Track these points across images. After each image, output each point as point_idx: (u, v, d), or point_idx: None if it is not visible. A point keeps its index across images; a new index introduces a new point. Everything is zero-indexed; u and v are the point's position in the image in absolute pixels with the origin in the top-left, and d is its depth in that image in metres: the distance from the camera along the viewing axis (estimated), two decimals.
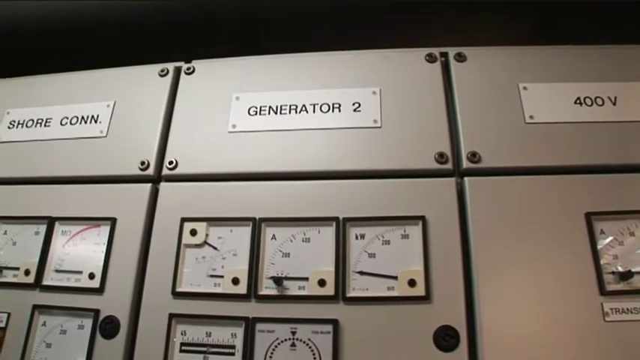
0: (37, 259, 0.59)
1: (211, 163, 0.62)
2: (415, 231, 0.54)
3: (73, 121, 0.70)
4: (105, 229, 0.60)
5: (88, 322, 0.55)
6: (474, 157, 0.57)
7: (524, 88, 0.61)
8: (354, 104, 0.63)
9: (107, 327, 0.55)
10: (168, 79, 0.71)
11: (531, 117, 0.59)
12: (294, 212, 0.57)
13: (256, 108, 0.65)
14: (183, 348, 0.54)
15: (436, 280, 0.51)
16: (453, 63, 0.64)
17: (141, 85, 0.70)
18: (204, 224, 0.59)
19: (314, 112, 0.63)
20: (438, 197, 0.55)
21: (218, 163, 0.62)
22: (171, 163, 0.63)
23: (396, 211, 0.55)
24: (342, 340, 0.51)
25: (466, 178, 0.56)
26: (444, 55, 0.65)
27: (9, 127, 0.72)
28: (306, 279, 0.54)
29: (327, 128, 0.62)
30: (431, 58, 0.65)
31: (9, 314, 0.58)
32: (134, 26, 0.85)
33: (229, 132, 0.65)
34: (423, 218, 0.54)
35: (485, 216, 0.53)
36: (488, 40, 0.65)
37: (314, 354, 0.50)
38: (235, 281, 0.56)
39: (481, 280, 0.51)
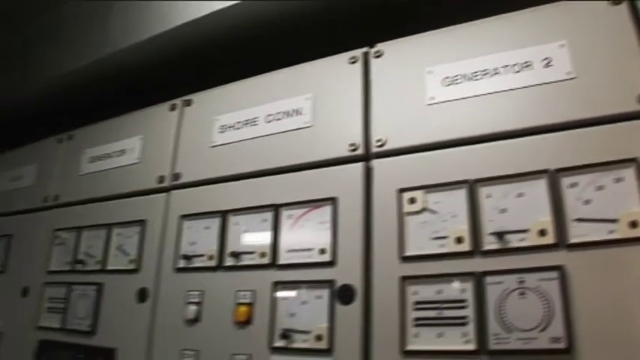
0: (269, 243, 1.39)
1: (416, 136, 1.29)
2: (629, 174, 1.10)
3: (278, 117, 1.52)
4: (326, 209, 1.34)
5: (325, 292, 1.29)
6: None
7: None
8: (544, 60, 1.25)
9: (344, 294, 1.28)
10: (359, 65, 1.44)
11: None
12: (504, 170, 1.13)
13: (450, 78, 1.32)
14: (416, 306, 1.22)
15: None
16: None
17: (334, 74, 1.41)
18: (420, 192, 1.27)
19: (506, 73, 1.28)
20: None
21: (423, 135, 1.27)
22: (379, 141, 1.35)
23: (608, 156, 1.09)
24: (569, 285, 1.06)
25: None
26: None
27: (220, 132, 1.59)
28: (526, 231, 1.12)
29: (522, 87, 1.18)
30: (615, 1, 1.24)
31: (254, 291, 1.38)
32: (313, 21, 1.68)
33: (428, 105, 1.29)
34: (635, 160, 1.09)
35: None
36: None
37: (544, 300, 1.10)
38: (459, 240, 1.21)
39: None
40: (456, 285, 1.11)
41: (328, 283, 1.23)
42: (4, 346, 1.88)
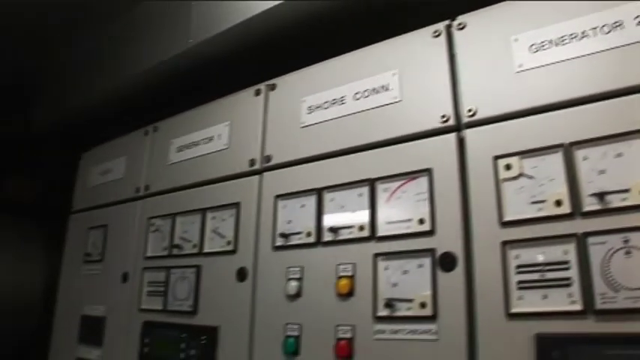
0: (367, 216, 1.42)
1: (507, 103, 1.29)
2: None
3: (365, 94, 1.55)
4: (422, 180, 1.37)
5: (426, 261, 1.32)
6: None
7: None
8: (636, 18, 1.25)
9: (445, 262, 1.31)
10: (442, 38, 1.46)
11: None
12: (600, 132, 1.12)
13: (537, 45, 1.32)
14: (519, 270, 1.24)
15: None
16: None
17: (418, 49, 1.42)
18: (516, 158, 1.30)
19: (595, 35, 1.28)
20: None
21: (514, 102, 1.27)
22: (470, 110, 1.37)
23: None
24: None
25: None
26: None
27: (308, 113, 1.64)
28: (627, 190, 1.08)
29: (613, 48, 1.17)
30: None
31: (354, 264, 1.42)
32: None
33: (516, 72, 1.30)
34: None
35: None
36: None
37: None
38: (558, 203, 1.22)
39: None
40: (558, 247, 1.13)
41: (429, 251, 1.26)
42: (109, 329, 1.98)
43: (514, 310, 1.12)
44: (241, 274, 1.52)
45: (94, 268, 2.17)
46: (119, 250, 1.97)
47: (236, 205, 1.62)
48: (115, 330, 1.98)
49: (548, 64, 1.24)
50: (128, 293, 1.90)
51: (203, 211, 1.68)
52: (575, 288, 1.08)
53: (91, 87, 2.46)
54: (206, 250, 1.66)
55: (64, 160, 2.64)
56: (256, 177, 1.67)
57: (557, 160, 1.17)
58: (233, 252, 1.58)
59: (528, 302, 1.12)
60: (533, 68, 1.26)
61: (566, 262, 1.11)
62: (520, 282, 1.14)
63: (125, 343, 1.94)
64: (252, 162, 1.69)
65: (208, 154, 1.84)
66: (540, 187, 1.18)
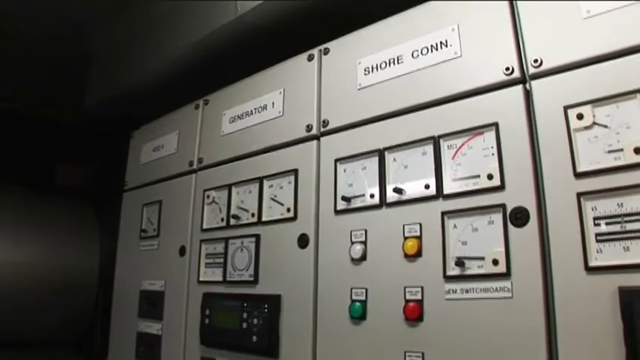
0: (432, 174, 1.37)
1: (575, 52, 1.18)
2: None
3: (424, 52, 1.50)
4: (488, 135, 1.31)
5: (496, 217, 1.27)
6: None
7: None
8: None
9: (517, 217, 1.25)
10: None
11: None
12: None
13: None
14: (597, 222, 1.19)
15: None
16: None
17: (477, 3, 1.38)
18: (588, 107, 1.24)
19: None
20: None
21: (582, 50, 1.17)
22: (535, 61, 1.31)
23: None
24: None
25: None
26: None
27: (365, 74, 1.59)
28: None
29: None
30: None
31: (421, 224, 1.37)
32: None
33: (584, 19, 1.20)
34: None
35: None
36: None
37: None
38: (637, 151, 1.16)
39: None
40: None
41: (499, 207, 1.22)
42: (168, 302, 2.00)
43: (593, 263, 1.07)
44: (302, 241, 1.49)
45: (151, 243, 2.18)
46: (175, 224, 1.97)
47: (294, 172, 1.59)
48: (174, 303, 1.98)
49: (618, 8, 1.18)
50: (186, 266, 1.90)
51: (260, 180, 1.65)
52: None
53: (140, 63, 2.45)
54: (265, 218, 1.63)
55: (116, 140, 2.63)
56: (314, 142, 1.65)
57: (633, 107, 1.12)
58: (293, 219, 1.55)
59: (609, 255, 1.07)
60: (601, 14, 1.20)
61: None
62: (599, 234, 1.09)
63: (185, 315, 1.95)
64: (308, 127, 1.66)
65: (262, 122, 1.83)
66: (616, 136, 1.12)
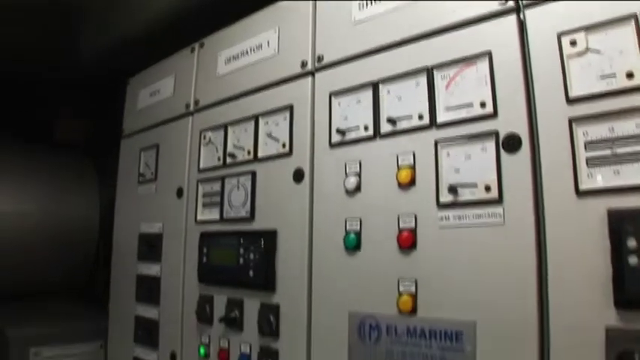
0: (425, 104, 1.37)
1: None
2: None
3: None
4: (481, 65, 1.29)
5: (489, 144, 1.26)
6: None
7: None
8: None
9: (510, 143, 1.25)
10: None
11: None
12: None
13: None
14: (588, 147, 1.19)
15: None
16: None
17: None
18: (582, 33, 1.22)
19: None
20: None
21: None
22: None
23: None
24: None
25: None
26: None
27: (359, 9, 1.56)
28: None
29: None
30: None
31: (414, 153, 1.37)
32: None
33: None
34: None
35: None
36: None
37: None
38: (629, 76, 1.15)
39: None
40: (631, 121, 1.08)
41: (492, 134, 1.23)
42: (166, 244, 2.04)
43: (584, 187, 1.09)
44: (298, 175, 1.50)
45: (148, 187, 2.19)
46: (172, 166, 1.97)
47: (289, 108, 1.58)
48: (172, 244, 2.01)
49: None
50: (184, 207, 1.92)
51: (255, 118, 1.65)
52: None
53: (134, 11, 2.41)
54: (260, 155, 1.63)
55: (113, 93, 2.62)
56: (309, 78, 1.64)
57: (626, 32, 1.11)
58: (288, 154, 1.55)
59: (599, 179, 1.09)
60: None
61: (639, 136, 1.06)
62: (589, 159, 1.11)
63: (184, 256, 1.98)
64: (303, 63, 1.65)
65: (257, 61, 1.82)
66: (609, 61, 1.12)
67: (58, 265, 2.90)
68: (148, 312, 2.10)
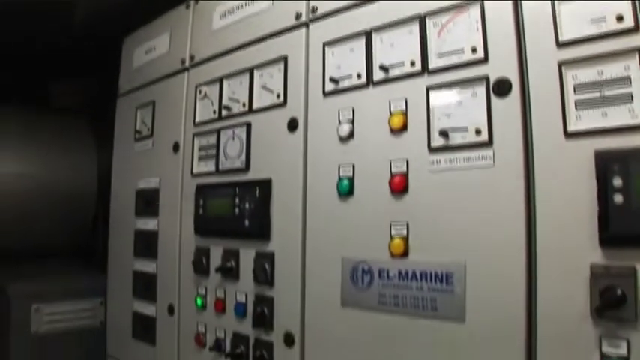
0: (418, 52, 1.38)
1: None
2: None
3: None
4: (474, 10, 1.29)
5: (480, 89, 1.26)
6: None
7: None
8: None
9: (500, 87, 1.25)
10: None
11: None
12: None
13: None
14: (577, 90, 1.17)
15: None
16: None
17: None
18: None
19: None
20: None
21: None
22: None
23: None
24: None
25: None
26: None
27: None
28: None
29: None
30: None
31: (406, 99, 1.38)
32: None
33: None
34: None
35: None
36: None
37: None
38: (619, 19, 1.15)
39: None
40: (619, 64, 1.10)
41: (483, 79, 1.24)
42: (164, 198, 2.07)
43: (572, 129, 1.10)
44: (292, 125, 1.51)
45: (145, 144, 2.20)
46: (168, 122, 1.99)
47: (284, 59, 1.59)
48: (169, 199, 2.03)
49: None
50: (180, 162, 1.92)
51: (250, 70, 1.65)
52: (637, 103, 1.05)
53: None
54: (255, 107, 1.64)
55: (110, 55, 2.61)
56: (303, 29, 1.64)
57: None
58: (283, 104, 1.56)
59: (587, 121, 1.10)
60: None
61: (627, 78, 1.07)
62: (578, 101, 1.12)
63: (180, 209, 2.00)
64: (297, 15, 1.64)
65: (252, 14, 1.81)
66: (600, 7, 1.13)
67: (58, 226, 2.92)
68: (146, 266, 2.12)
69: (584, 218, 1.07)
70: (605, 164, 1.05)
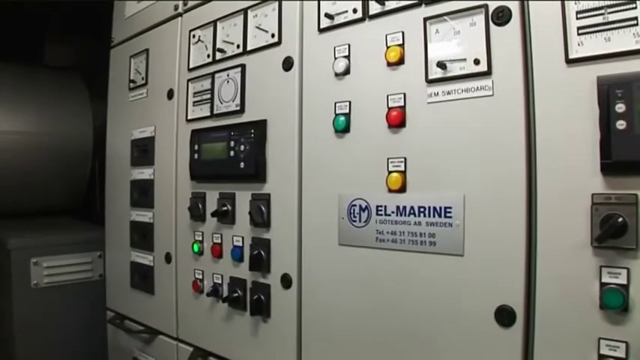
0: None
1: None
2: None
3: None
4: None
5: (478, 18, 1.21)
6: None
7: None
8: None
9: (500, 15, 1.18)
10: None
11: None
12: None
13: None
14: (579, 16, 1.11)
15: None
16: None
17: None
18: None
19: None
20: None
21: None
22: None
23: None
24: None
25: None
26: None
27: None
28: None
29: None
30: None
31: (403, 32, 1.32)
32: None
33: None
34: None
35: None
36: None
37: None
38: None
39: None
40: None
41: (481, 7, 1.19)
42: (159, 146, 2.04)
43: (574, 55, 1.05)
44: (287, 64, 1.47)
45: (140, 92, 2.16)
46: (162, 69, 1.95)
47: None
48: (165, 146, 2.00)
49: None
50: (175, 108, 1.89)
51: (244, 11, 1.58)
52: None
53: None
54: (250, 47, 1.58)
55: (103, 12, 2.55)
56: None
57: None
58: (277, 44, 1.51)
59: (590, 47, 1.05)
60: None
61: (632, 1, 1.01)
62: (580, 27, 1.06)
63: (176, 156, 1.97)
64: None
65: None
66: None
67: (56, 183, 2.91)
68: (143, 216, 2.11)
69: (585, 147, 1.03)
70: (608, 89, 1.00)
